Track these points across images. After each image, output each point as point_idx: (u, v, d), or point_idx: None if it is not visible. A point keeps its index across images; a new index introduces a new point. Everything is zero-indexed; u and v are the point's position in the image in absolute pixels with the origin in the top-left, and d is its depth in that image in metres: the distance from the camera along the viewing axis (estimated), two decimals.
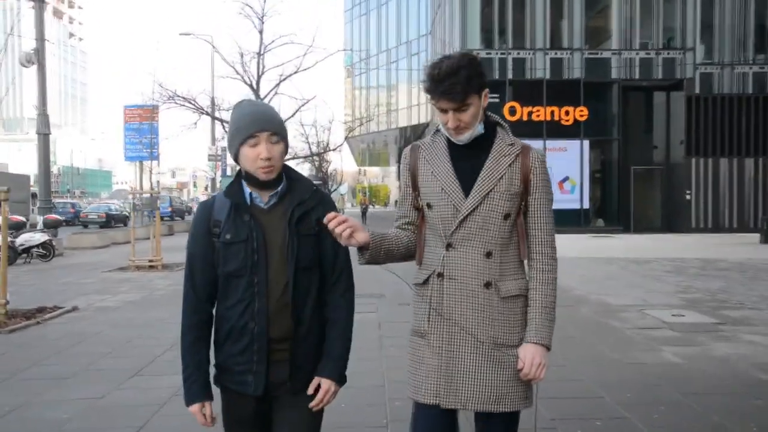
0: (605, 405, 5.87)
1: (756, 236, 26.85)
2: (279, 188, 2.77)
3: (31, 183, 40.73)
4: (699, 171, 33.03)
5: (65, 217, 50.07)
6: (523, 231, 2.84)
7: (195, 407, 2.75)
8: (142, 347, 8.26)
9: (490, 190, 2.75)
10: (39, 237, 19.90)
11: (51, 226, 22.13)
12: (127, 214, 46.65)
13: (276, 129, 2.71)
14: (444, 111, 2.74)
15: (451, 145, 2.86)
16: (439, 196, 2.80)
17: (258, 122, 2.69)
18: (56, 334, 9.34)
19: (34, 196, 35.96)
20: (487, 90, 2.79)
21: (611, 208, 34.13)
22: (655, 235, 30.78)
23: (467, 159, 2.82)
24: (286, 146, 2.78)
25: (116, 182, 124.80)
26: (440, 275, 2.78)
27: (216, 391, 2.82)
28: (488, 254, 2.75)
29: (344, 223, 2.62)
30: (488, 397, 2.72)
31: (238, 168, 2.83)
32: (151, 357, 7.66)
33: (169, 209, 55.79)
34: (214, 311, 2.84)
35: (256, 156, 2.66)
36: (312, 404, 2.77)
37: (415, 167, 2.93)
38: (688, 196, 33.03)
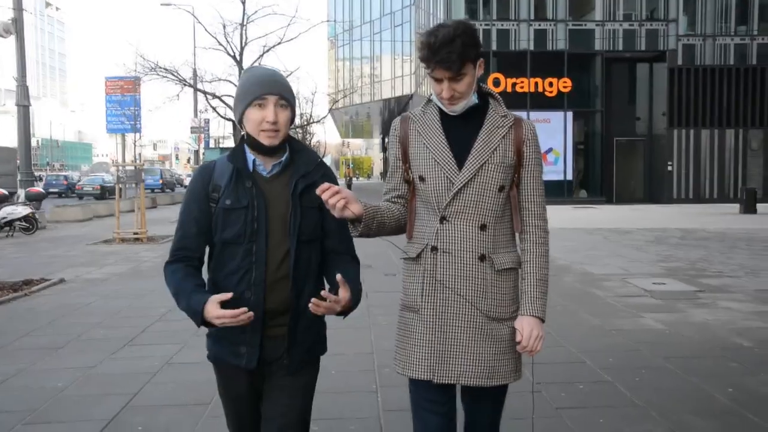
0: (588, 369, 5.99)
1: (736, 206, 27.18)
2: (283, 158, 2.71)
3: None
4: (681, 142, 33.34)
5: (59, 189, 50.29)
6: (516, 203, 2.79)
7: (212, 309, 2.51)
8: (132, 318, 8.33)
9: (485, 162, 2.69)
10: (22, 210, 19.75)
11: (34, 199, 22.01)
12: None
13: (285, 93, 2.66)
14: (439, 81, 2.68)
15: (443, 116, 2.78)
16: (432, 168, 2.73)
17: (267, 84, 2.64)
18: (45, 306, 9.37)
19: (13, 173, 35.64)
20: (482, 60, 2.73)
21: (594, 180, 34.38)
22: (637, 205, 31.08)
23: (460, 130, 2.75)
24: (293, 114, 2.73)
25: (96, 155, 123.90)
26: (434, 249, 2.71)
27: (209, 367, 2.83)
28: (483, 227, 2.70)
29: (338, 194, 2.54)
30: (482, 371, 2.68)
31: (242, 134, 2.77)
32: (142, 327, 7.73)
33: (160, 181, 55.66)
34: (205, 278, 2.76)
35: (262, 119, 2.62)
36: (317, 308, 2.55)
37: (406, 139, 2.85)
38: (669, 167, 33.33)
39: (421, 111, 2.85)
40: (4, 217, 19.14)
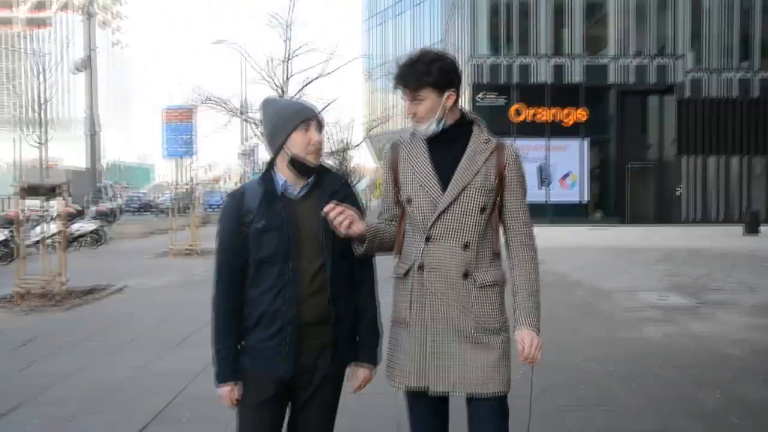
0: (590, 375, 6.03)
1: (740, 228, 26.88)
2: (310, 179, 2.67)
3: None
4: (689, 168, 33.08)
5: (137, 205, 52.67)
6: (497, 224, 2.75)
7: (226, 388, 2.63)
8: (182, 324, 8.40)
9: (467, 185, 2.64)
10: (90, 225, 20.21)
11: (102, 216, 22.49)
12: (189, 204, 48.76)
13: (320, 119, 2.67)
14: (404, 99, 2.70)
15: (430, 141, 2.74)
16: (417, 191, 2.69)
17: (307, 110, 2.66)
18: (108, 310, 9.64)
19: (102, 190, 37.13)
20: (452, 92, 2.67)
21: (609, 202, 34.10)
22: (648, 226, 30.60)
23: (445, 154, 2.70)
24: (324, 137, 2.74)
25: (157, 176, 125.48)
26: (421, 267, 2.67)
27: None
28: (465, 246, 2.65)
29: (343, 213, 2.52)
30: (476, 380, 2.62)
31: (269, 161, 2.75)
32: (190, 332, 7.80)
33: (222, 202, 56.98)
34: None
35: (308, 140, 2.59)
36: (354, 389, 2.77)
37: (396, 164, 2.80)
38: (678, 191, 33.06)
39: (410, 137, 2.82)
40: (72, 233, 19.49)
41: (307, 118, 2.61)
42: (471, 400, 2.66)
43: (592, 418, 4.89)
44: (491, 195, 2.68)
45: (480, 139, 2.71)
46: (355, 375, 2.77)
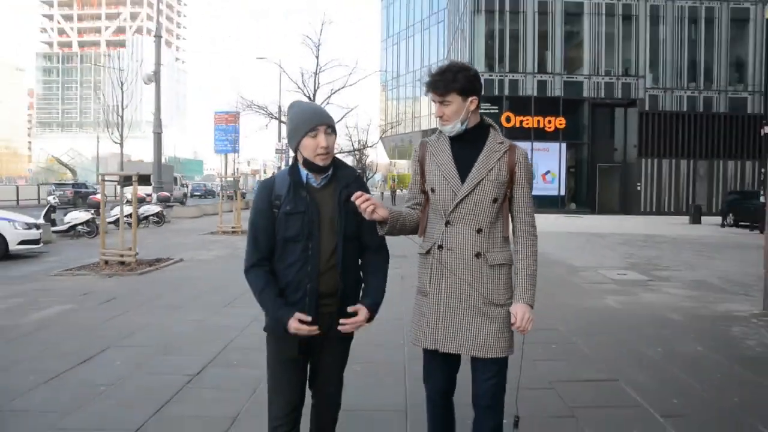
0: (560, 335, 6.13)
1: (687, 218, 26.89)
2: (329, 172, 2.62)
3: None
4: (647, 168, 33.05)
5: (201, 192, 54.52)
6: (507, 213, 2.70)
7: (293, 322, 2.50)
8: (230, 287, 8.49)
9: (482, 179, 2.61)
10: (154, 208, 20.41)
11: (163, 201, 22.74)
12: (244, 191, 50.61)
13: (330, 123, 2.59)
14: (434, 102, 2.67)
15: (452, 141, 2.71)
16: (440, 182, 2.66)
17: (317, 117, 2.56)
18: (171, 277, 9.81)
19: (175, 180, 38.92)
20: (474, 98, 2.64)
21: (581, 195, 34.06)
22: (613, 216, 30.68)
23: (465, 152, 2.67)
24: (335, 137, 2.66)
25: (206, 169, 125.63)
26: (440, 247, 2.65)
27: (263, 337, 2.71)
28: (479, 230, 2.62)
29: (368, 200, 2.49)
30: (479, 344, 2.60)
31: (294, 155, 2.69)
32: (237, 295, 7.86)
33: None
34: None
35: (316, 145, 2.53)
36: (344, 326, 2.58)
37: (423, 159, 2.78)
38: (638, 188, 33.02)
39: (436, 137, 2.78)
40: (141, 213, 19.75)
41: (315, 126, 2.53)
42: (475, 359, 2.65)
43: (558, 367, 5.00)
44: (503, 188, 2.65)
45: (495, 141, 2.69)
46: (353, 310, 2.60)
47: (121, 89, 33.51)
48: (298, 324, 2.49)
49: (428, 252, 2.71)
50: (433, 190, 2.70)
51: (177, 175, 47.51)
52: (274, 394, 2.65)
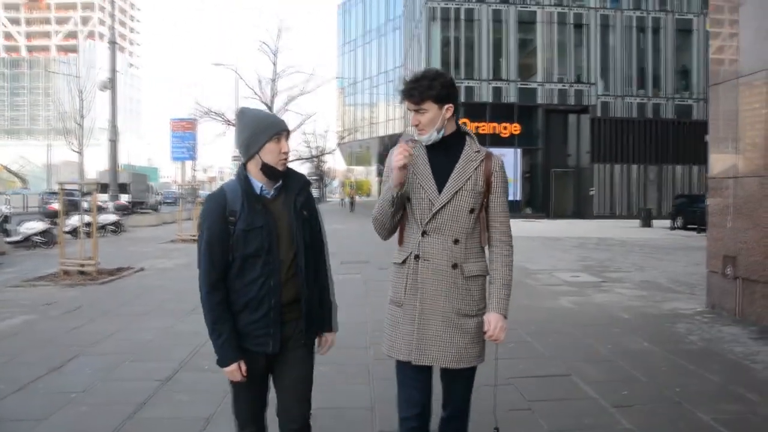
0: (516, 334, 6.26)
1: (638, 222, 27.71)
2: (279, 182, 2.58)
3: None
4: (600, 173, 34.13)
5: (172, 200, 56.80)
6: (484, 223, 2.66)
7: (233, 366, 2.49)
8: (193, 295, 8.39)
9: (459, 189, 2.57)
10: (112, 217, 20.10)
11: (119, 209, 22.41)
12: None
13: (289, 130, 2.60)
14: (410, 110, 2.62)
15: (429, 149, 2.65)
16: (417, 191, 2.61)
17: (280, 123, 2.56)
18: (133, 285, 9.77)
19: (149, 188, 39.48)
20: (449, 106, 2.58)
21: (537, 200, 34.80)
22: (568, 220, 31.43)
23: (442, 161, 2.62)
24: None
25: (162, 177, 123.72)
26: (417, 257, 2.60)
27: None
28: (456, 241, 2.58)
29: (408, 155, 2.51)
30: (453, 356, 2.58)
31: (241, 164, 2.61)
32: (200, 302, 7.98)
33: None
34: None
35: (280, 150, 2.51)
36: (322, 351, 2.74)
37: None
38: (591, 192, 33.99)
39: (412, 145, 2.68)
40: (99, 222, 19.40)
41: (280, 130, 2.52)
42: (446, 370, 2.66)
43: (516, 364, 5.22)
44: (479, 198, 2.62)
45: (471, 149, 2.64)
46: (323, 341, 2.75)
47: (80, 97, 33.03)
48: (236, 370, 2.48)
49: (404, 262, 2.65)
50: (409, 200, 2.64)
51: (151, 183, 47.54)
52: (237, 403, 2.66)
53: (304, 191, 2.62)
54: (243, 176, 2.55)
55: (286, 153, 2.54)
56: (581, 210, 33.96)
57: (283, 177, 2.58)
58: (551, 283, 10.04)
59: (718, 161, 7.71)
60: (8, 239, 15.39)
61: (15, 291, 9.30)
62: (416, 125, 2.61)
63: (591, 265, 12.63)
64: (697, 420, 4.00)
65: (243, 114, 2.60)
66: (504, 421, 3.93)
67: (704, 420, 3.98)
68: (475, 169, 2.60)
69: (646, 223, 26.51)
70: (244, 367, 2.50)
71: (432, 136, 2.59)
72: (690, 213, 24.02)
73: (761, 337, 6.25)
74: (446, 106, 2.58)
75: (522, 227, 24.66)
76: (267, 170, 2.52)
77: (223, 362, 2.50)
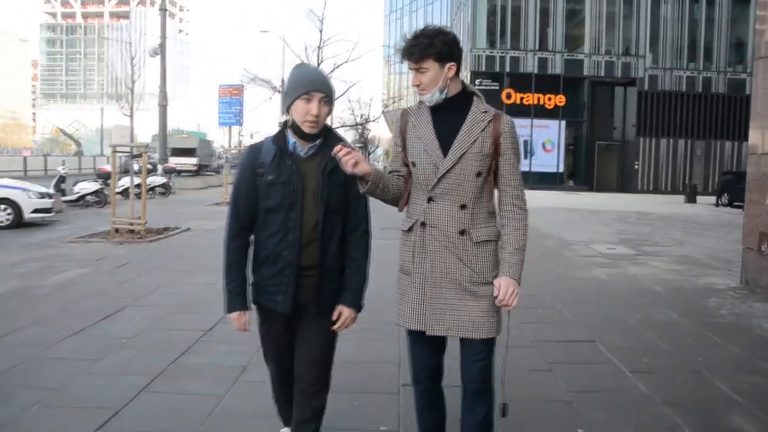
0: (546, 302, 6.42)
1: (683, 197, 27.16)
2: (317, 141, 2.52)
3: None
4: (645, 147, 33.35)
5: (216, 165, 56.68)
6: (491, 187, 2.54)
7: (235, 314, 2.55)
8: None
9: (465, 152, 2.44)
10: (160, 179, 20.61)
11: (168, 172, 22.93)
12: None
13: (328, 93, 2.48)
14: (410, 69, 2.51)
15: (433, 110, 2.53)
16: (422, 155, 2.51)
17: (315, 83, 2.46)
18: (179, 244, 10.19)
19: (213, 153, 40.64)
20: (452, 64, 2.45)
21: (579, 172, 34.37)
22: (611, 193, 30.94)
23: (447, 123, 2.50)
24: (331, 109, 2.54)
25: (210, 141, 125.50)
26: (423, 224, 2.50)
27: (253, 308, 2.65)
28: (462, 206, 2.47)
29: (350, 154, 2.35)
30: (469, 325, 2.46)
31: (284, 119, 2.59)
32: None
33: None
34: (251, 239, 2.60)
35: (307, 111, 2.43)
36: (335, 327, 2.59)
37: (405, 130, 2.61)
38: (636, 166, 33.33)
39: (417, 106, 2.62)
40: (149, 184, 19.93)
41: (311, 90, 2.44)
42: (463, 340, 2.54)
43: (543, 330, 5.34)
44: (487, 161, 2.49)
45: (479, 110, 2.51)
46: (337, 313, 2.60)
47: (131, 63, 33.90)
48: (237, 321, 2.57)
49: (410, 229, 2.57)
50: (414, 164, 2.55)
51: (216, 147, 48.35)
52: (268, 364, 2.78)
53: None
54: (280, 131, 2.56)
55: (315, 116, 2.44)
56: (625, 184, 33.36)
57: (324, 138, 2.53)
58: (586, 255, 10.05)
59: (759, 137, 7.57)
60: (64, 198, 16.01)
61: (70, 246, 9.77)
62: (417, 85, 2.50)
63: (629, 238, 12.53)
64: (715, 388, 4.07)
65: (294, 68, 2.61)
66: (523, 380, 4.08)
67: (722, 389, 4.05)
68: (482, 130, 2.47)
69: (691, 199, 25.96)
70: (244, 319, 2.57)
71: (434, 96, 2.49)
72: (737, 190, 23.32)
73: None
74: (448, 65, 2.45)
75: (563, 199, 24.51)
76: (295, 129, 2.50)
77: (227, 308, 2.58)
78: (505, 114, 2.55)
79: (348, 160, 2.35)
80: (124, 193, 16.04)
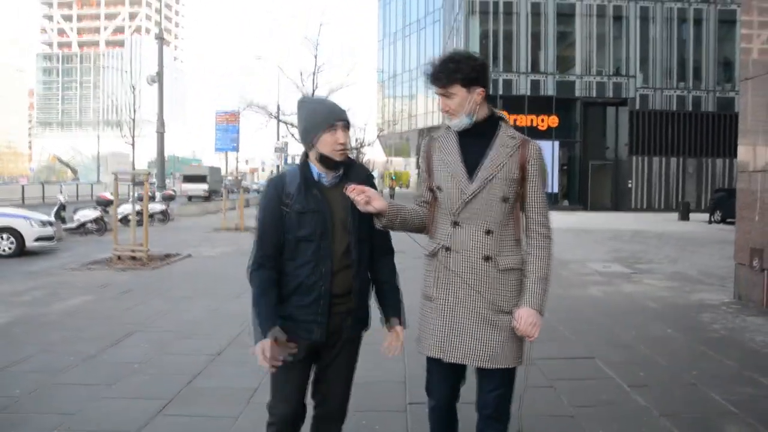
0: (546, 320, 6.29)
1: (676, 215, 27.38)
2: (340, 171, 2.54)
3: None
4: (638, 166, 33.67)
5: (236, 189, 57.78)
6: (518, 213, 2.50)
7: (257, 346, 2.41)
8: (238, 280, 8.69)
9: (492, 177, 2.42)
10: (159, 206, 20.64)
11: (167, 199, 23.01)
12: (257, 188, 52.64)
13: (347, 118, 2.52)
14: (438, 95, 2.51)
15: (461, 135, 2.52)
16: (448, 180, 2.48)
17: (335, 113, 2.49)
18: (181, 271, 10.27)
19: (221, 180, 42.01)
20: (481, 89, 2.45)
21: (574, 192, 34.58)
22: (605, 213, 31.08)
23: (474, 148, 2.48)
24: (349, 133, 2.58)
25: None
26: (447, 249, 2.47)
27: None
28: (488, 232, 2.44)
29: (363, 193, 2.38)
30: (485, 354, 2.43)
31: (304, 151, 2.59)
32: (246, 287, 7.96)
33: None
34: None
35: (335, 141, 2.45)
36: (389, 346, 2.64)
37: (430, 155, 2.59)
38: (629, 185, 33.59)
39: (444, 132, 2.60)
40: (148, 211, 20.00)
41: (334, 121, 2.47)
42: (481, 369, 2.52)
43: (543, 348, 5.26)
44: (513, 186, 2.47)
45: (506, 135, 2.50)
46: (393, 332, 2.65)
47: (133, 92, 34.40)
48: (267, 347, 2.38)
49: (434, 254, 2.55)
50: (440, 189, 2.53)
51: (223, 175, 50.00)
52: (275, 399, 2.62)
53: (366, 184, 2.51)
54: (303, 162, 2.56)
55: (343, 144, 2.47)
56: (619, 203, 33.60)
57: (345, 167, 2.55)
58: (583, 273, 10.20)
59: (748, 154, 7.78)
60: (65, 226, 16.12)
61: (73, 274, 9.86)
62: (446, 111, 2.50)
63: (624, 256, 12.69)
64: (710, 399, 4.21)
65: (302, 104, 2.59)
66: (526, 396, 4.20)
67: (716, 400, 4.19)
68: (510, 155, 2.45)
69: (684, 217, 26.18)
70: (269, 352, 2.40)
71: (462, 121, 2.48)
72: (729, 207, 23.56)
73: None
74: (477, 90, 2.45)
75: (558, 219, 24.19)
76: (324, 160, 2.49)
77: (260, 336, 2.43)
78: (533, 140, 2.55)
79: (360, 200, 2.39)
80: (123, 220, 16.16)
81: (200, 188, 44.03)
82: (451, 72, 2.42)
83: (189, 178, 45.79)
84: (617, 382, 4.58)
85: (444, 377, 2.57)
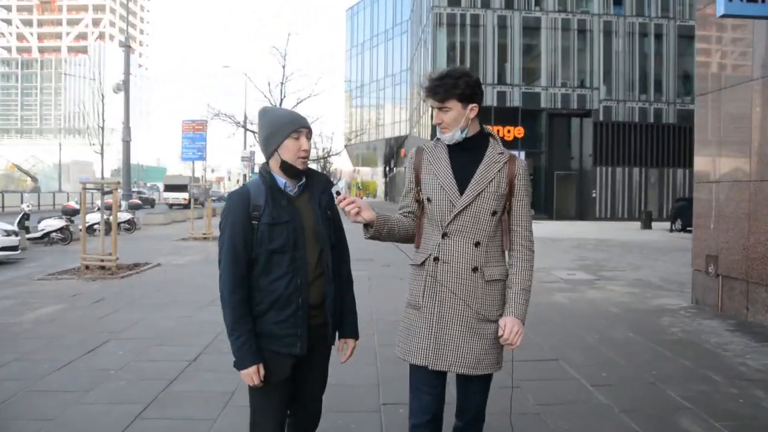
0: None
1: (639, 224, 28.06)
2: (302, 180, 2.54)
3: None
4: (602, 176, 34.50)
5: (216, 197, 57.00)
6: (506, 226, 2.58)
7: (252, 369, 2.40)
8: (210, 288, 8.69)
9: (482, 191, 2.50)
10: (125, 215, 20.51)
11: (133, 208, 22.85)
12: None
13: (309, 127, 2.52)
14: (433, 107, 2.56)
15: (450, 149, 2.59)
16: (438, 192, 2.54)
17: (300, 120, 2.50)
18: (152, 280, 10.26)
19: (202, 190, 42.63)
20: (474, 105, 2.53)
21: (539, 202, 35.02)
22: (570, 222, 31.66)
23: (463, 162, 2.55)
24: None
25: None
26: (436, 259, 2.53)
27: None
28: (477, 244, 2.51)
29: (353, 203, 2.45)
30: (469, 361, 2.51)
31: (264, 162, 2.57)
32: (216, 295, 8.28)
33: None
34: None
35: (299, 148, 2.45)
36: (344, 359, 2.69)
37: (419, 166, 2.63)
38: (594, 194, 34.37)
39: (433, 144, 2.66)
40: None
41: (299, 128, 2.47)
42: (463, 375, 2.60)
43: (509, 351, 5.73)
44: (502, 200, 2.55)
45: (495, 151, 2.58)
46: (345, 347, 2.72)
47: (102, 101, 33.92)
48: (254, 373, 2.41)
49: (423, 264, 2.60)
50: (429, 200, 2.58)
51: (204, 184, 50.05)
52: (263, 419, 2.54)
53: (327, 191, 2.58)
54: (266, 172, 2.50)
55: (306, 150, 2.48)
56: (583, 212, 34.32)
57: (306, 176, 2.55)
58: (548, 281, 10.45)
59: (704, 166, 8.17)
60: (28, 236, 15.91)
61: (41, 283, 9.81)
62: (439, 123, 2.56)
63: (588, 264, 13.02)
64: (667, 396, 4.49)
65: (264, 112, 2.57)
66: (494, 396, 4.39)
67: (672, 396, 4.47)
68: (499, 171, 2.53)
69: (647, 225, 26.85)
70: (262, 372, 2.43)
71: (455, 135, 2.55)
72: (689, 216, 24.01)
73: (737, 330, 6.72)
74: (470, 106, 2.53)
75: None
76: (286, 168, 2.48)
77: (241, 365, 2.42)
78: (519, 157, 2.67)
79: (351, 210, 2.46)
80: (89, 229, 16.01)
81: (181, 196, 45.39)
82: (450, 87, 2.50)
83: (170, 187, 47.72)
84: (581, 382, 4.82)
85: (428, 382, 2.59)
